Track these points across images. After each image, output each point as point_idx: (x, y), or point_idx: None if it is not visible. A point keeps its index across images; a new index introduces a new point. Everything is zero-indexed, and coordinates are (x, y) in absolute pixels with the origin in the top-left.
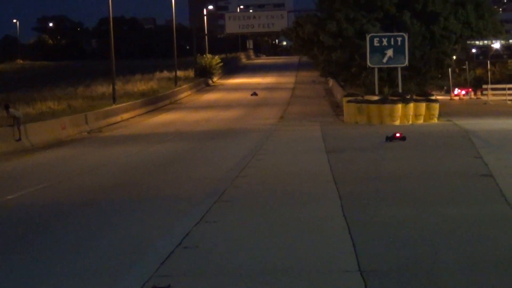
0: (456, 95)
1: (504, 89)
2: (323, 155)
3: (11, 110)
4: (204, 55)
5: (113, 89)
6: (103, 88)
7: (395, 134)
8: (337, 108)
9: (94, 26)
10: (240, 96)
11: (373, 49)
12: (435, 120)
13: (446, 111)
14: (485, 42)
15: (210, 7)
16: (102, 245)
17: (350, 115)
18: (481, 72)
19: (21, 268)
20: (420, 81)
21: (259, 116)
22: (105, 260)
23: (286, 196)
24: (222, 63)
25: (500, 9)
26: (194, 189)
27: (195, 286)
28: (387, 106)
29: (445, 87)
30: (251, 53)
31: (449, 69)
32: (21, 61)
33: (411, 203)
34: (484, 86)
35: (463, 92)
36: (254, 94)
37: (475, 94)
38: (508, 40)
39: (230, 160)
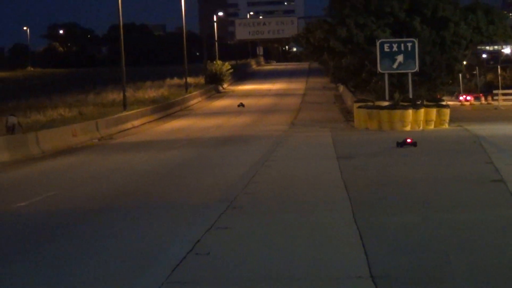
0: (467, 101)
1: None
2: (334, 161)
3: (10, 117)
4: (214, 62)
5: (124, 96)
6: (113, 95)
7: (406, 140)
8: (347, 114)
9: (104, 33)
10: (250, 102)
11: (384, 55)
12: (446, 126)
13: (457, 117)
14: (496, 47)
15: (220, 13)
16: (113, 251)
17: (360, 121)
18: (492, 77)
19: (32, 274)
20: (430, 87)
21: (269, 122)
22: (116, 267)
23: (297, 202)
24: (232, 70)
25: (511, 14)
26: (205, 195)
27: None
28: (397, 112)
29: (455, 93)
30: (261, 59)
31: (460, 75)
32: (31, 69)
33: (422, 209)
34: (495, 91)
35: (468, 97)
36: (241, 105)
37: (485, 99)
38: None
39: (241, 166)
